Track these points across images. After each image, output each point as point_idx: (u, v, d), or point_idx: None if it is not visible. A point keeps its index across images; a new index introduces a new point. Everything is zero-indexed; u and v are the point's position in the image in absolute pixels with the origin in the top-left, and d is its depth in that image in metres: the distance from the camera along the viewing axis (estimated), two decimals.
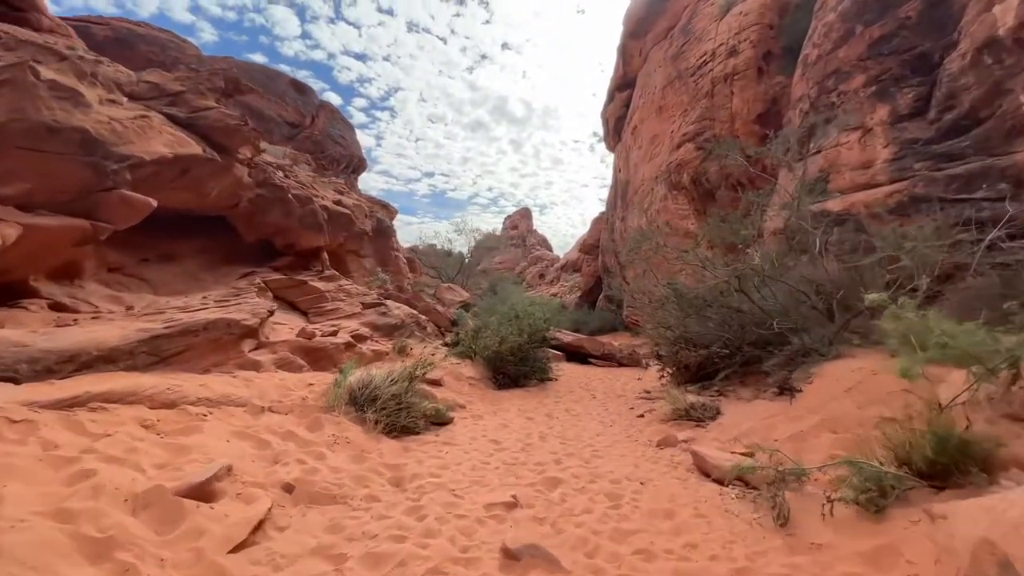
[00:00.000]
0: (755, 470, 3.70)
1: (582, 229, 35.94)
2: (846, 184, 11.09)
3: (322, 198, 9.87)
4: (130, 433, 3.58)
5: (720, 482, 4.00)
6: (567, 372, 11.83)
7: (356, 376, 5.51)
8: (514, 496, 3.62)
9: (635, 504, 3.66)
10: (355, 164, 47.49)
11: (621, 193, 22.99)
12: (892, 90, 9.99)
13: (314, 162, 27.08)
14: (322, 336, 6.94)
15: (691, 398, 6.96)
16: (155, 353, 4.60)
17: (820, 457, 4.01)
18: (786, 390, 5.97)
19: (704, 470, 4.34)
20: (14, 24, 5.93)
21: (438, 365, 8.70)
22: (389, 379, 5.64)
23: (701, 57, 16.37)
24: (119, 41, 27.67)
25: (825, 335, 6.74)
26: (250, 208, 8.09)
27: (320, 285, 8.60)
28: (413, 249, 27.70)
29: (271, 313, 6.20)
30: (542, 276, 52.72)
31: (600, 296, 30.04)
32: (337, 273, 9.62)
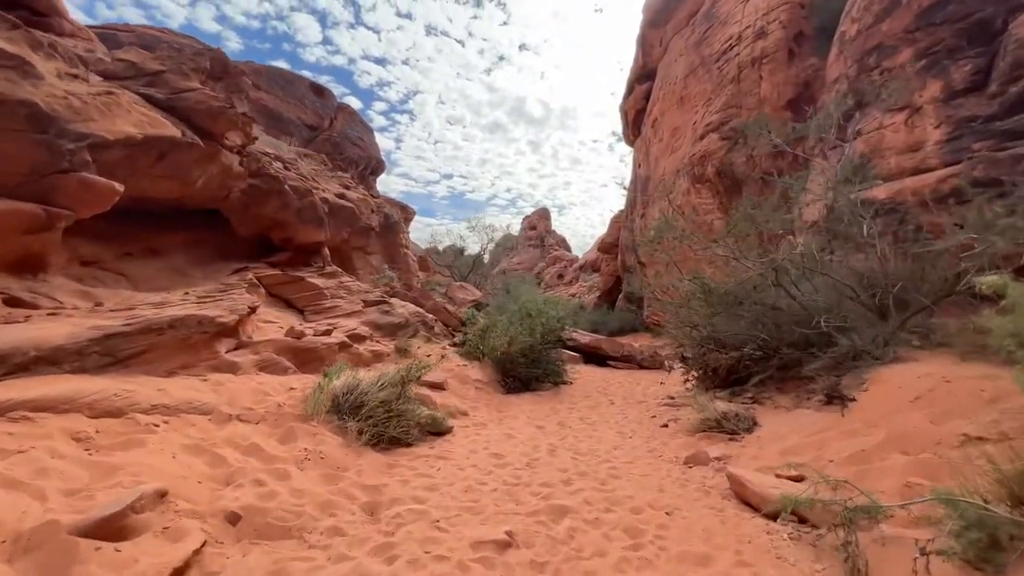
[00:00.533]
0: (813, 503, 2.92)
1: (601, 229, 35.00)
2: (891, 170, 10.09)
3: (324, 191, 9.33)
4: (51, 449, 2.99)
5: (767, 515, 3.22)
6: (584, 375, 11.06)
7: (342, 380, 4.88)
8: (509, 532, 2.90)
9: (661, 544, 2.91)
10: (373, 165, 47.53)
11: (641, 189, 22.06)
12: (945, 63, 8.97)
13: (331, 162, 26.77)
14: (314, 335, 6.36)
15: (721, 406, 6.15)
16: (110, 354, 4.05)
17: (893, 485, 3.19)
18: (836, 398, 5.12)
19: (744, 498, 3.56)
20: (36, 28, 5.52)
21: (443, 367, 8.05)
22: (379, 383, 5.00)
23: (726, 42, 15.41)
24: (143, 46, 27.70)
25: (878, 335, 5.86)
26: (243, 200, 7.57)
27: (319, 282, 8.04)
28: (435, 250, 27.13)
29: (253, 310, 5.64)
30: (561, 276, 51.92)
31: (620, 296, 29.09)
32: (339, 269, 9.07)
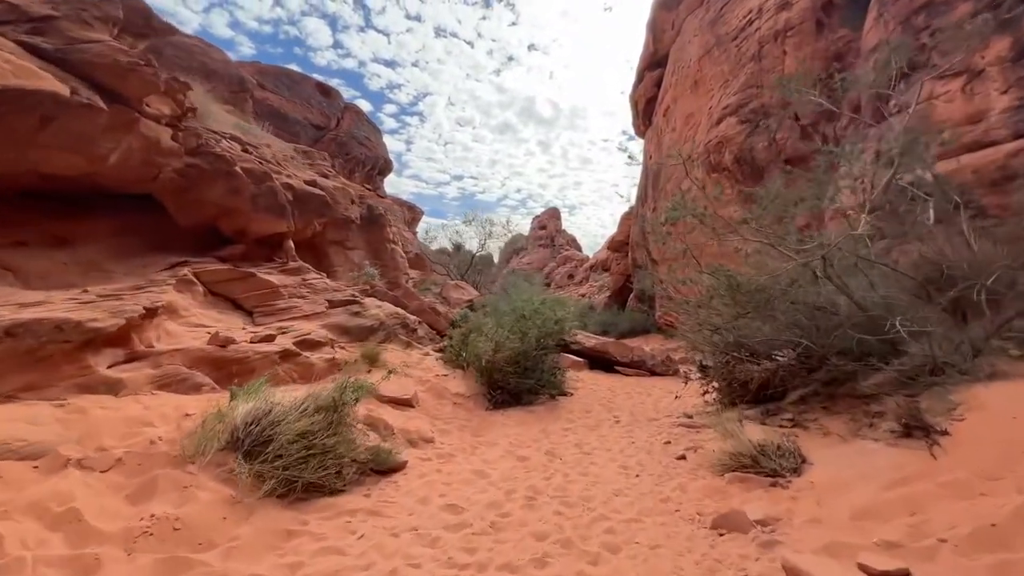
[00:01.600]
0: None
1: (612, 229, 33.55)
2: (945, 146, 8.58)
3: (289, 176, 8.13)
4: None
5: None
6: (587, 383, 9.70)
7: (250, 404, 3.62)
8: None
9: None
10: (381, 165, 46.70)
11: (652, 181, 20.60)
12: (1017, 14, 7.49)
13: (330, 159, 25.76)
14: (250, 342, 5.15)
15: (755, 433, 4.77)
16: None
17: None
18: (918, 429, 3.73)
19: None
20: None
21: (418, 378, 6.78)
22: (301, 407, 3.73)
23: (745, 16, 13.93)
24: (148, 48, 27.14)
25: (962, 342, 4.43)
26: (180, 182, 6.38)
27: (274, 279, 6.84)
28: (443, 251, 25.66)
29: (151, 312, 4.43)
30: (571, 276, 50.54)
31: (630, 296, 27.59)
32: (306, 265, 7.87)
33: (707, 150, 15.03)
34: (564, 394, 8.07)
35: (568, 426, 6.15)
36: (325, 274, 8.47)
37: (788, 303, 5.56)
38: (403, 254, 12.30)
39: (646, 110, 21.47)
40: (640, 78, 21.32)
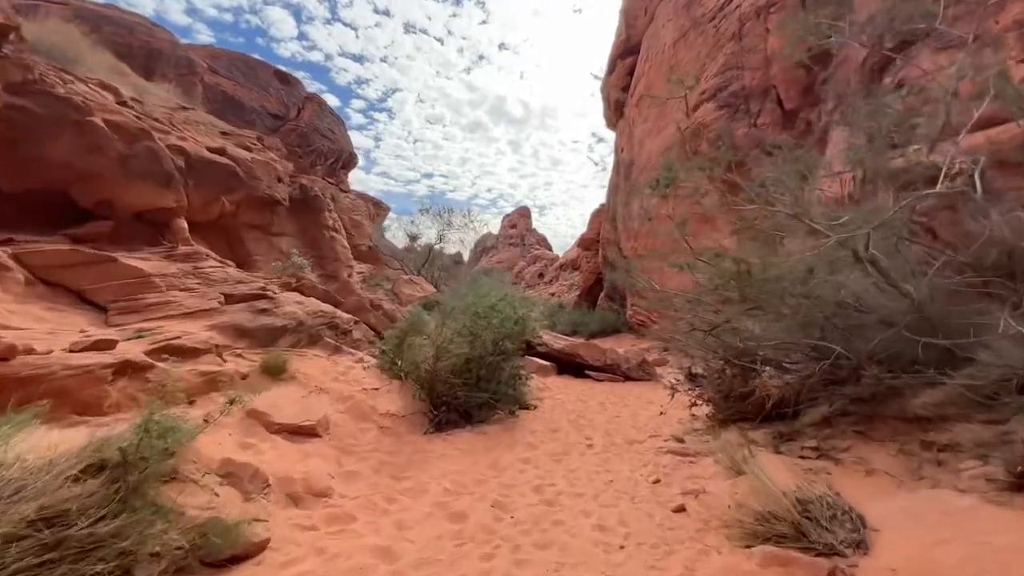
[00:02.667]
0: None
1: (582, 230, 32.53)
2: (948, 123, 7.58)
3: (183, 139, 6.40)
4: None
5: None
6: (554, 392, 8.31)
7: None
8: None
9: None
10: (345, 159, 44.49)
11: (624, 175, 19.48)
12: None
13: (285, 149, 23.87)
14: (70, 351, 3.52)
15: (775, 468, 3.46)
16: None
17: None
18: None
19: None
20: None
21: (339, 393, 5.22)
22: (68, 467, 2.17)
23: None
24: (80, 20, 24.69)
25: None
26: (2, 131, 4.65)
27: (148, 265, 5.16)
28: (411, 248, 23.57)
29: None
30: (541, 275, 49.51)
31: (601, 295, 26.51)
32: (203, 251, 6.18)
33: (683, 139, 13.92)
34: (527, 407, 6.66)
35: (528, 454, 4.71)
36: (235, 263, 6.78)
37: (800, 297, 4.27)
38: (345, 244, 10.65)
39: (617, 101, 20.34)
40: (612, 67, 20.18)
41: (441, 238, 16.52)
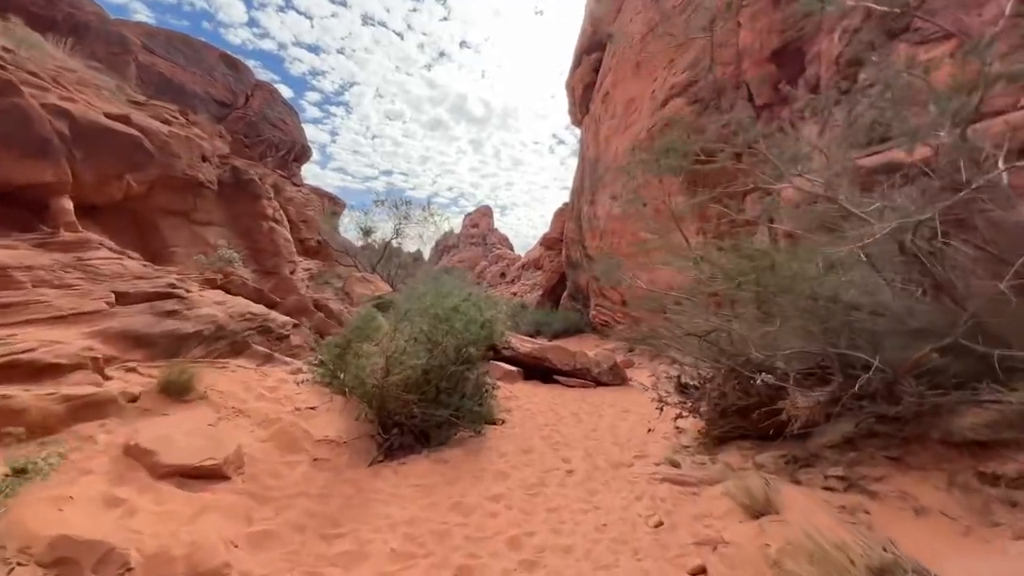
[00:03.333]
0: None
1: (543, 230, 31.98)
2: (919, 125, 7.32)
3: (70, 100, 5.15)
4: None
5: None
6: (522, 401, 7.49)
7: None
8: None
9: None
10: (297, 151, 42.25)
11: (589, 173, 18.96)
12: None
13: (230, 136, 22.15)
14: None
15: (802, 504, 2.78)
16: None
17: None
18: None
19: None
20: None
21: (266, 415, 4.19)
22: None
23: None
24: None
25: None
26: None
27: (6, 255, 3.94)
28: (370, 246, 22.01)
29: None
30: (503, 275, 48.85)
31: (564, 294, 26.02)
32: (96, 239, 4.94)
33: (651, 136, 13.45)
34: (493, 422, 5.79)
35: (498, 488, 3.84)
36: (145, 255, 5.55)
37: (827, 301, 3.63)
38: (288, 237, 9.41)
39: (583, 97, 19.81)
40: (577, 62, 19.61)
41: (398, 232, 15.29)
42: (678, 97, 12.30)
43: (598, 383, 9.41)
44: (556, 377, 9.47)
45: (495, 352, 9.96)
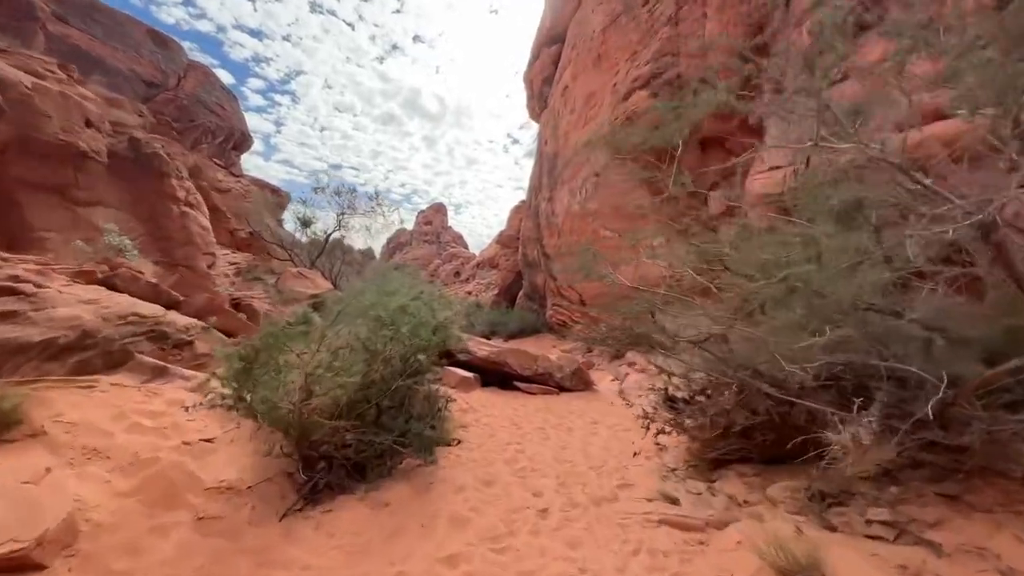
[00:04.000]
0: None
1: (498, 229, 31.14)
2: (903, 115, 7.04)
3: None
4: None
5: None
6: (481, 413, 6.58)
7: None
8: None
9: None
10: (237, 139, 39.15)
11: (548, 169, 18.28)
12: None
13: (154, 119, 19.84)
14: None
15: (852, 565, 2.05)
16: None
17: None
18: None
19: None
20: None
21: (132, 453, 3.03)
22: None
23: None
24: None
25: None
26: None
27: None
28: (314, 240, 19.99)
29: None
30: (457, 274, 47.71)
31: (520, 294, 25.31)
32: None
33: (614, 129, 12.90)
34: (447, 443, 4.84)
35: (454, 545, 2.91)
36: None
37: (872, 308, 2.97)
38: (206, 224, 7.97)
39: (541, 90, 19.11)
40: (536, 55, 18.88)
41: (341, 224, 13.78)
42: (641, 90, 11.79)
43: (561, 389, 8.65)
44: (516, 383, 8.62)
45: (449, 357, 9.01)
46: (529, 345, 19.94)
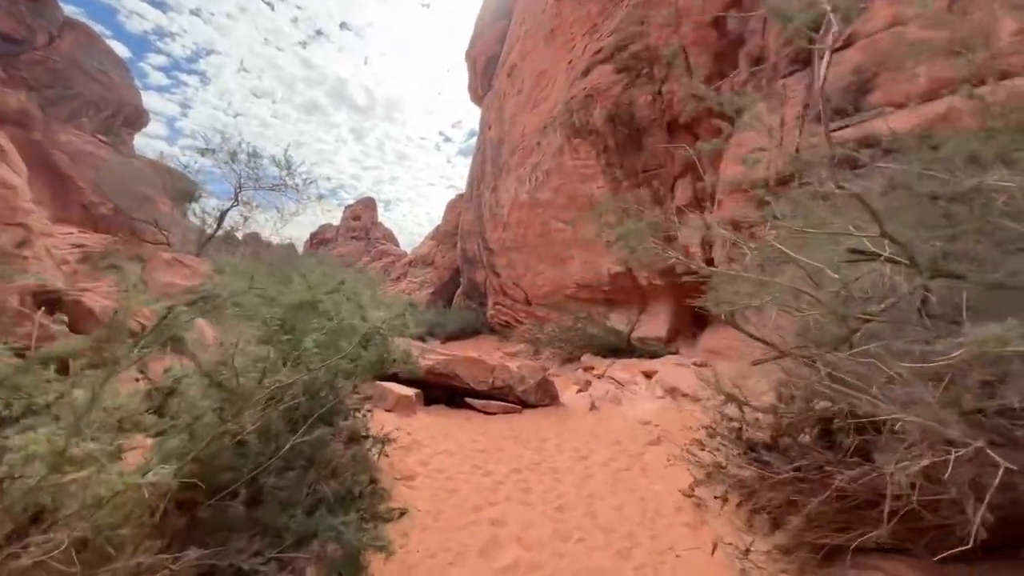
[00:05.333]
0: None
1: (430, 227, 28.88)
2: (908, 91, 6.28)
3: None
4: None
5: None
6: (429, 450, 4.69)
7: None
8: None
9: None
10: (128, 114, 33.47)
11: (492, 156, 16.57)
12: None
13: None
14: None
15: None
16: None
17: None
18: None
19: None
20: None
21: None
22: None
23: None
24: None
25: None
26: None
27: None
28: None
29: None
30: (387, 272, 44.61)
31: (457, 292, 23.37)
32: None
33: (569, 109, 11.48)
34: (385, 519, 2.97)
35: None
36: None
37: None
38: (15, 184, 5.30)
39: (485, 71, 17.36)
40: (479, 31, 17.10)
41: (239, 198, 10.59)
42: (604, 64, 10.45)
43: (524, 405, 6.98)
44: (467, 401, 6.82)
45: (388, 376, 7.01)
46: (469, 348, 18.06)
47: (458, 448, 4.80)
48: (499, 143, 15.99)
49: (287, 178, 10.73)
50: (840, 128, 6.71)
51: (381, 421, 4.57)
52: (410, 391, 6.38)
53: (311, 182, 10.61)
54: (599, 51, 10.54)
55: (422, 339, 20.84)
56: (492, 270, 17.66)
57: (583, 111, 10.93)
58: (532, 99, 14.02)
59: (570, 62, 12.13)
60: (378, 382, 6.45)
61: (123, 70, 32.98)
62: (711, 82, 9.15)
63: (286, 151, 10.48)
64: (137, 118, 33.65)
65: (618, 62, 10.09)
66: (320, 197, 10.27)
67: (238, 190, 10.50)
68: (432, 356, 7.15)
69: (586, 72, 10.96)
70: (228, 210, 10.71)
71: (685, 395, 6.78)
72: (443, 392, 6.92)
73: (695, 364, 8.31)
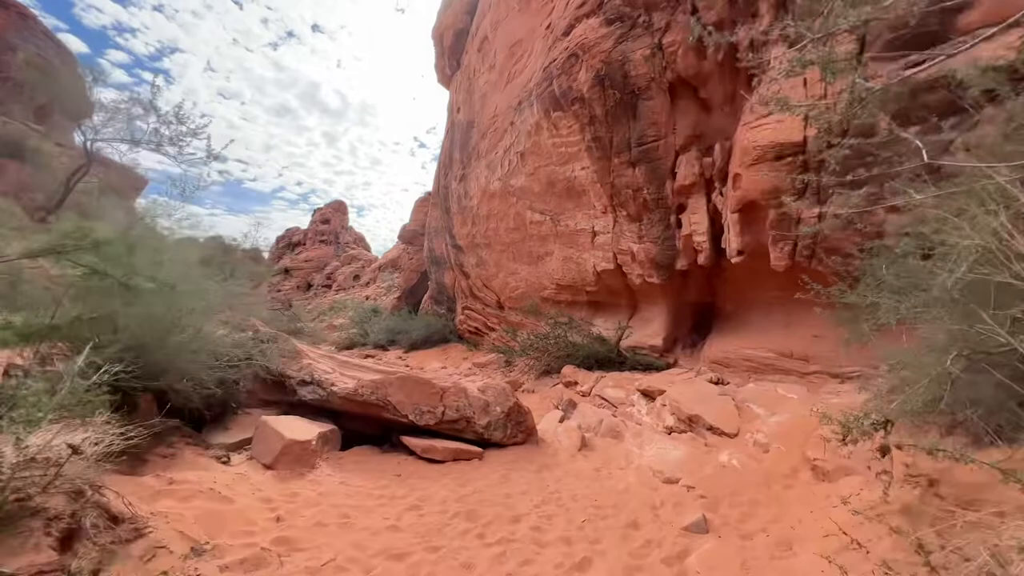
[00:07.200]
0: None
1: None
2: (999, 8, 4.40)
3: None
4: None
5: None
6: (301, 548, 2.39)
7: None
8: None
9: None
10: (72, 105, 29.81)
11: (460, 142, 14.41)
12: None
13: None
14: None
15: None
16: None
17: None
18: None
19: None
20: None
21: None
22: None
23: None
24: None
25: None
26: None
27: None
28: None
29: None
30: (357, 277, 41.87)
31: (425, 296, 20.94)
32: None
33: (549, 75, 9.44)
34: None
35: None
36: None
37: None
38: None
39: (453, 47, 15.24)
40: (447, 2, 15.00)
41: (90, 152, 6.88)
42: (590, 17, 8.46)
43: (486, 444, 4.75)
44: (406, 439, 4.55)
45: (283, 389, 4.68)
46: (435, 358, 15.69)
47: (358, 554, 2.54)
48: (468, 126, 13.85)
49: (160, 126, 7.47)
50: (916, 68, 4.80)
51: (200, 497, 2.29)
52: (313, 432, 4.07)
53: (203, 135, 7.09)
54: (583, 3, 8.54)
55: (384, 347, 18.35)
56: (460, 270, 15.42)
57: (565, 76, 8.90)
58: (505, 74, 11.95)
59: (549, 25, 10.12)
60: (265, 417, 4.13)
61: (69, 59, 29.50)
62: (723, 30, 7.24)
63: (179, 108, 7.53)
64: (81, 108, 30.23)
65: (608, 11, 8.11)
66: (215, 157, 7.20)
67: (91, 142, 7.70)
68: (355, 375, 4.85)
69: (568, 30, 8.94)
70: (78, 175, 7.59)
71: (713, 429, 4.70)
72: (372, 426, 4.64)
73: (711, 382, 6.26)
